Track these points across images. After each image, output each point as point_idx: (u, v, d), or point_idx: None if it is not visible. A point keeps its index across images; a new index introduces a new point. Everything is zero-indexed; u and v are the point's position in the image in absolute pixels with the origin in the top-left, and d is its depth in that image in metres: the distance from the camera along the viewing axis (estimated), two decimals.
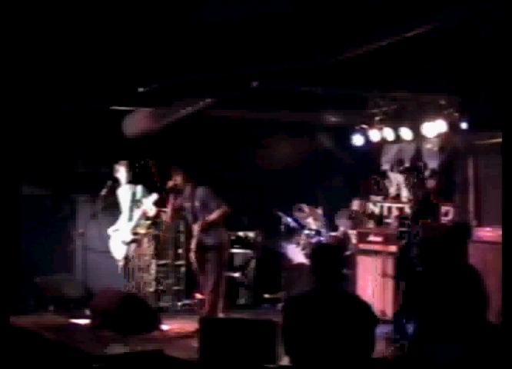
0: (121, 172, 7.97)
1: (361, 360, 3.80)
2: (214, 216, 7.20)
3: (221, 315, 7.19)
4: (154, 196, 7.70)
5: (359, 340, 3.80)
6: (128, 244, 7.90)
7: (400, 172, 8.81)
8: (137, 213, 7.87)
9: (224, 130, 9.07)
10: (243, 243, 9.22)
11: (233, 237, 9.10)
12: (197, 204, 7.26)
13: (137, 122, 8.16)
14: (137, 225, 7.94)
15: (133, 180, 7.99)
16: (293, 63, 6.12)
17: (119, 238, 7.94)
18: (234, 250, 9.09)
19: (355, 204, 8.88)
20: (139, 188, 7.95)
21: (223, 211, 7.21)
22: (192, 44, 5.78)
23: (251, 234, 9.26)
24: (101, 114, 8.12)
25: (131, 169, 7.97)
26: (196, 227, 7.28)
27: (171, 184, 7.32)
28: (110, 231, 8.02)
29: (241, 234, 9.23)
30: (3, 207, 6.34)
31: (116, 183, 8.05)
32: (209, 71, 6.39)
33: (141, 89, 7.11)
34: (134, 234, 7.94)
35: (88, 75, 6.66)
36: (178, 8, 5.06)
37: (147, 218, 8.12)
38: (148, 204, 7.79)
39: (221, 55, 5.99)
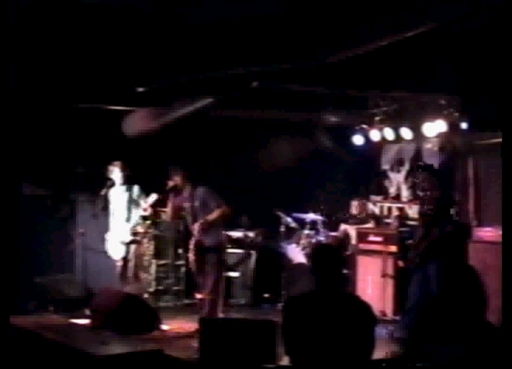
0: (115, 173, 7.94)
1: (361, 361, 3.80)
2: (214, 216, 7.18)
3: (221, 315, 7.19)
4: (154, 196, 7.68)
5: (359, 341, 3.80)
6: (128, 244, 7.89)
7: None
8: (136, 213, 7.85)
9: (224, 130, 9.07)
10: (243, 243, 9.22)
11: (233, 237, 9.12)
12: (197, 203, 7.25)
13: (137, 122, 8.16)
14: (136, 225, 7.92)
15: (128, 180, 7.96)
16: (293, 63, 6.12)
17: (117, 239, 7.91)
18: (234, 250, 9.09)
19: (354, 205, 8.89)
20: (136, 188, 7.92)
21: (223, 211, 7.20)
22: (192, 44, 5.78)
23: (251, 234, 9.25)
24: (101, 114, 8.11)
25: (125, 170, 7.94)
26: (196, 227, 7.27)
27: (171, 184, 7.31)
28: (108, 235, 7.99)
29: (240, 234, 9.23)
30: (3, 207, 6.33)
31: (115, 182, 8.03)
32: (209, 71, 6.39)
33: (140, 89, 7.11)
34: (134, 234, 7.92)
35: (87, 75, 6.66)
36: (178, 8, 5.06)
37: (146, 218, 8.11)
38: (147, 204, 7.77)
39: (220, 55, 6.00)
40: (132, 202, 7.89)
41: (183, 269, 9.09)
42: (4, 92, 6.23)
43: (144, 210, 7.83)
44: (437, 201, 7.13)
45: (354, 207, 8.87)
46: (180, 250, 9.09)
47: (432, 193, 7.20)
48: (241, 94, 7.20)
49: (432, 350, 3.51)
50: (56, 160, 8.62)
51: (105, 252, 8.01)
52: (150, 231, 8.38)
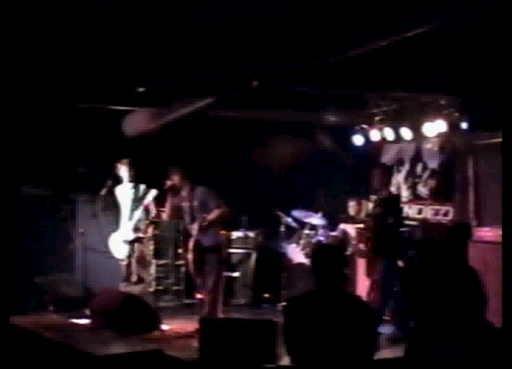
0: (123, 171, 7.93)
1: (362, 361, 3.80)
2: (212, 216, 7.18)
3: (221, 315, 7.19)
4: (154, 192, 7.66)
5: (360, 340, 3.80)
6: (131, 242, 7.87)
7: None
8: (138, 212, 7.82)
9: (224, 130, 9.07)
10: (243, 243, 9.22)
11: (233, 237, 9.12)
12: (195, 203, 7.24)
13: (137, 122, 8.16)
14: (139, 224, 7.88)
15: (135, 179, 7.94)
16: (293, 63, 6.12)
17: (120, 238, 7.90)
18: (234, 250, 9.09)
19: (351, 205, 8.87)
20: (142, 187, 7.90)
21: (221, 212, 7.20)
22: (192, 44, 5.78)
23: (251, 234, 9.25)
24: (101, 114, 8.11)
25: (132, 168, 7.92)
26: (194, 227, 7.26)
27: (168, 183, 7.31)
28: (115, 235, 7.96)
29: (240, 234, 9.23)
30: (3, 207, 6.33)
31: (116, 182, 8.03)
32: (209, 71, 6.39)
33: (141, 89, 7.11)
34: (137, 233, 7.88)
35: (87, 75, 6.66)
36: (178, 9, 5.06)
37: (153, 222, 8.12)
38: (146, 200, 7.75)
39: (221, 55, 5.99)
40: (137, 200, 7.86)
41: (183, 269, 9.09)
42: (4, 93, 6.23)
43: (146, 208, 7.80)
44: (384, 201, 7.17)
45: (351, 207, 8.85)
46: (180, 250, 9.09)
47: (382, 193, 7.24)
48: (241, 94, 7.19)
49: (432, 350, 3.51)
50: (56, 160, 8.62)
51: (105, 252, 8.01)
52: (150, 231, 8.37)
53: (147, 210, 7.88)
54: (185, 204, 7.35)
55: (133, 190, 7.90)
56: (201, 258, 7.26)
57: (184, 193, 7.36)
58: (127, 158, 7.92)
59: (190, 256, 7.35)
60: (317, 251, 4.29)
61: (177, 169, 7.34)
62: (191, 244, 7.32)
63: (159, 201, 7.82)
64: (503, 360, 3.25)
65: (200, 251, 7.25)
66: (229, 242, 8.98)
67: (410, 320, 6.46)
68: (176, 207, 7.48)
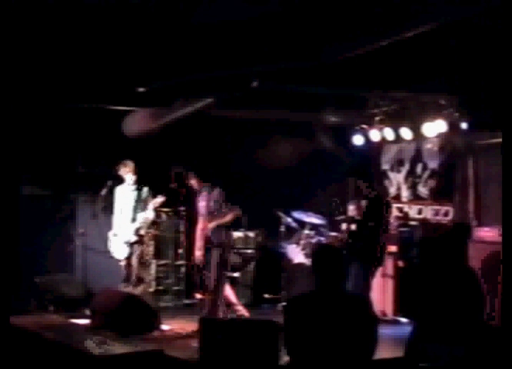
0: (126, 172, 7.89)
1: (362, 361, 3.80)
2: (228, 218, 7.21)
3: (221, 315, 7.18)
4: (160, 199, 7.64)
5: (360, 340, 3.80)
6: (132, 244, 7.85)
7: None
8: (142, 214, 7.79)
9: (224, 130, 9.07)
10: (243, 243, 9.22)
11: (233, 237, 9.11)
12: (211, 203, 7.23)
13: (137, 122, 8.16)
14: (140, 228, 7.85)
15: (138, 180, 7.92)
16: (293, 63, 6.12)
17: (120, 239, 7.88)
18: (234, 251, 9.08)
19: (351, 209, 8.84)
20: (145, 189, 7.87)
21: (235, 215, 7.25)
22: (192, 44, 5.78)
23: (251, 234, 9.25)
24: (101, 114, 8.11)
25: (137, 169, 7.89)
26: (210, 226, 7.22)
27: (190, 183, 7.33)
28: (110, 234, 7.95)
29: (240, 234, 9.22)
30: (3, 207, 6.34)
31: (116, 182, 8.01)
32: (209, 71, 6.40)
33: (141, 89, 7.12)
34: (139, 234, 7.86)
35: (88, 75, 6.66)
36: (178, 9, 5.06)
37: (154, 222, 8.11)
38: (151, 209, 7.74)
39: (221, 55, 6.00)
40: (139, 202, 7.83)
41: (183, 269, 9.09)
42: (4, 93, 6.24)
43: (145, 218, 7.78)
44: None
45: (351, 211, 8.81)
46: (180, 250, 9.09)
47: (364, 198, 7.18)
48: (241, 94, 7.20)
49: (432, 350, 3.51)
50: (56, 160, 8.63)
51: (105, 252, 8.00)
52: (150, 231, 8.37)
53: (146, 219, 7.88)
54: (201, 204, 7.32)
55: (136, 191, 7.87)
56: (205, 257, 7.25)
57: (203, 193, 7.34)
58: (130, 160, 7.89)
59: (199, 253, 7.29)
60: (317, 251, 4.29)
61: (193, 173, 7.33)
62: (201, 242, 7.25)
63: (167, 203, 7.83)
64: (502, 360, 3.25)
65: (206, 250, 7.24)
66: (233, 243, 8.96)
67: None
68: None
